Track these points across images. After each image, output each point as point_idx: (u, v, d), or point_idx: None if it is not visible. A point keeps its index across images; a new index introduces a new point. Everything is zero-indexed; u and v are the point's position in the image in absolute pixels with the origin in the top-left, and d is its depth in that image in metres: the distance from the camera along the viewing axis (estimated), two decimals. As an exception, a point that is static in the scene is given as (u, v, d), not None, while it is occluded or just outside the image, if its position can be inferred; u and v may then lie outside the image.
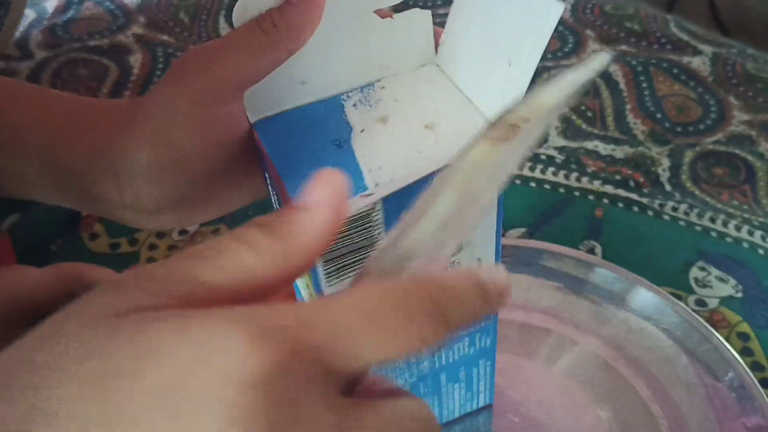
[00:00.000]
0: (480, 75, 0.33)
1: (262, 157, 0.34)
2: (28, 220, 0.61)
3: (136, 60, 0.75)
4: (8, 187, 0.39)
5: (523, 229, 0.59)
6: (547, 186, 0.63)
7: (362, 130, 0.33)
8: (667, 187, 0.62)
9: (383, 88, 0.35)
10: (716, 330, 0.50)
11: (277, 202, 0.36)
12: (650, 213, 0.60)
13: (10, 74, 0.73)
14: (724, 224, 0.59)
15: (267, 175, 0.36)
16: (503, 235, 0.58)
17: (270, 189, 0.37)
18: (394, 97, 0.34)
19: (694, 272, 0.56)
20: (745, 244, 0.58)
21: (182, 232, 0.60)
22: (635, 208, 0.61)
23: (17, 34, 0.77)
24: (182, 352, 0.20)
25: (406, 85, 0.35)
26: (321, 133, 0.33)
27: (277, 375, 0.20)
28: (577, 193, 0.62)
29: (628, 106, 0.70)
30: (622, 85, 0.72)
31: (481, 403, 0.46)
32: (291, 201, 0.30)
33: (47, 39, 0.77)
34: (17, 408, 0.20)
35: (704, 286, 0.55)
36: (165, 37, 0.78)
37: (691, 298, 0.55)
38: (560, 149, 0.66)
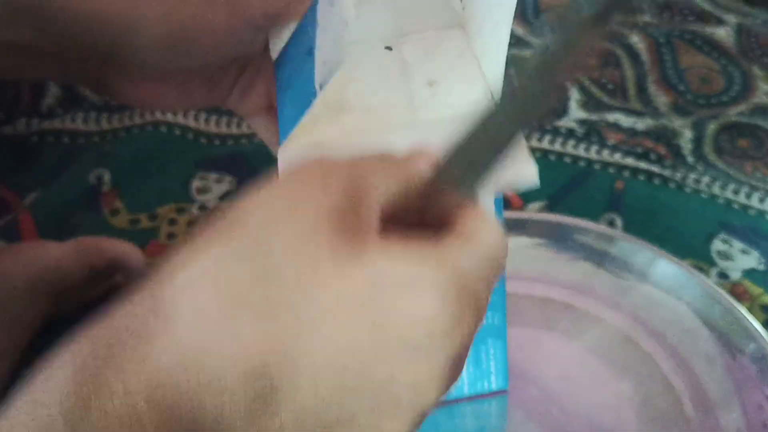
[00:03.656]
0: (484, 40, 0.34)
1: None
2: (50, 196, 0.61)
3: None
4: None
5: (542, 202, 0.59)
6: (567, 159, 0.62)
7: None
8: (690, 160, 0.62)
9: (404, 43, 0.35)
10: (738, 302, 0.50)
11: None
12: (672, 185, 0.60)
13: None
14: (747, 196, 0.59)
15: None
16: (522, 209, 0.58)
17: None
18: (411, 53, 0.35)
19: (717, 244, 0.56)
20: (769, 216, 0.57)
21: (202, 207, 0.60)
22: (656, 181, 0.60)
23: None
24: None
25: (427, 43, 0.35)
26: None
27: None
28: (597, 166, 0.61)
29: (650, 78, 0.69)
30: (644, 57, 0.71)
31: (494, 387, 0.46)
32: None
33: None
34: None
35: (726, 258, 0.55)
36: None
37: (713, 271, 0.54)
38: (581, 122, 0.65)
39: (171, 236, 0.58)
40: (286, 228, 0.23)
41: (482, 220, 0.25)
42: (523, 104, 0.24)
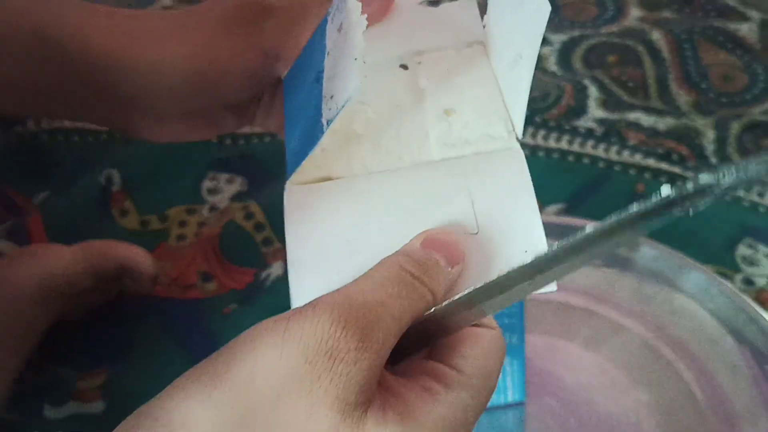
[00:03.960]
0: (504, 63, 0.32)
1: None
2: (59, 197, 0.61)
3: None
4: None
5: (560, 205, 0.57)
6: (586, 160, 0.61)
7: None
8: (713, 160, 0.60)
9: (419, 63, 0.33)
10: (764, 310, 0.48)
11: None
12: (694, 188, 0.58)
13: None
14: (773, 199, 0.57)
15: None
16: (540, 212, 0.56)
17: None
18: (427, 76, 0.33)
19: (741, 249, 0.54)
20: (795, 220, 0.56)
21: (212, 208, 0.59)
22: (679, 183, 0.58)
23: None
24: None
25: (444, 65, 0.33)
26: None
27: None
28: (617, 168, 0.60)
29: (672, 76, 0.67)
30: (665, 54, 0.69)
31: (510, 399, 0.45)
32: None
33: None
34: None
35: (752, 264, 0.53)
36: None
37: (738, 277, 0.53)
38: (600, 121, 0.63)
39: (181, 238, 0.58)
40: (294, 406, 0.24)
41: (483, 350, 0.27)
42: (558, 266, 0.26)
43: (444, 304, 0.27)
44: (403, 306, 0.25)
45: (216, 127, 0.39)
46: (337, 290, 0.26)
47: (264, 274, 0.55)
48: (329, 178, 0.29)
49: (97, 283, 0.51)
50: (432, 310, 0.27)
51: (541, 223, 0.29)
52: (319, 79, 0.29)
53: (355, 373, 0.24)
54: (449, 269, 0.27)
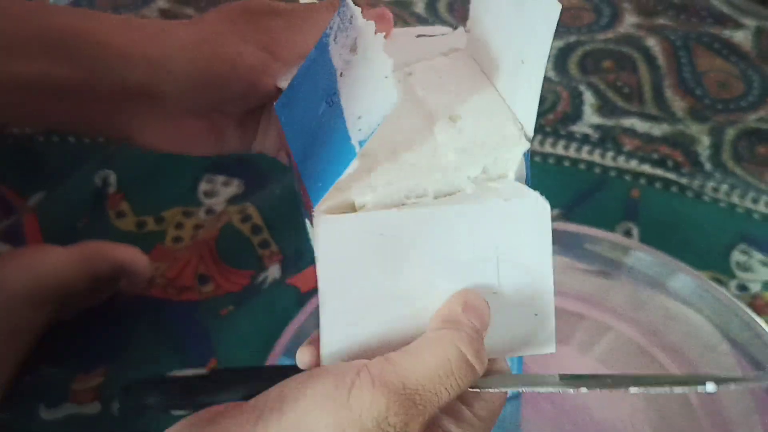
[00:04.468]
0: (502, 68, 0.32)
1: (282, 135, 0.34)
2: (55, 198, 0.60)
3: (162, 34, 0.74)
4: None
5: (556, 211, 0.57)
6: (581, 165, 0.61)
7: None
8: (708, 167, 0.60)
9: (410, 74, 0.33)
10: (759, 316, 0.48)
11: (297, 180, 0.35)
12: (689, 194, 0.58)
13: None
14: (768, 205, 0.57)
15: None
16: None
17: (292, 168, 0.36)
18: (422, 86, 0.33)
19: (736, 255, 0.54)
20: (789, 227, 0.56)
21: (209, 211, 0.59)
22: (674, 189, 0.59)
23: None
24: None
25: (435, 73, 0.33)
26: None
27: None
28: (613, 173, 0.60)
29: (667, 82, 0.68)
30: (661, 60, 0.70)
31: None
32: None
33: (73, 13, 0.77)
34: None
35: (746, 270, 0.53)
36: (190, 12, 0.77)
37: (733, 283, 0.53)
38: (596, 127, 0.64)
39: (177, 240, 0.57)
40: None
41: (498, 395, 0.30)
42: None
43: (479, 390, 0.29)
44: (451, 393, 0.28)
45: (217, 139, 0.39)
46: (395, 366, 0.27)
47: (261, 277, 0.55)
48: (351, 200, 0.29)
49: (93, 284, 0.50)
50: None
51: (552, 288, 0.30)
52: (331, 102, 0.28)
53: None
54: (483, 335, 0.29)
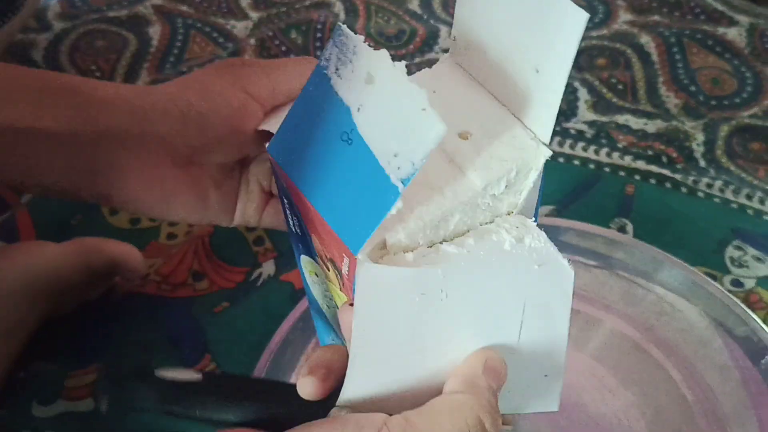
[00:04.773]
0: (504, 77, 0.30)
1: (278, 178, 0.33)
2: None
3: (155, 31, 0.74)
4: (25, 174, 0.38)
5: (551, 207, 0.57)
6: (576, 162, 0.61)
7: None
8: (702, 163, 0.60)
9: None
10: (753, 311, 0.48)
11: (295, 222, 0.35)
12: (684, 190, 0.58)
13: (29, 46, 0.72)
14: (761, 201, 0.57)
15: (283, 197, 0.34)
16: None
17: (286, 210, 0.35)
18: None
19: (730, 251, 0.55)
20: (783, 223, 0.56)
21: (203, 207, 0.59)
22: (668, 185, 0.59)
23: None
24: None
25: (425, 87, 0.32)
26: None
27: None
28: (607, 169, 0.60)
29: (661, 79, 0.68)
30: (655, 57, 0.70)
31: None
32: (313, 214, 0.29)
33: (66, 10, 0.76)
34: None
35: (740, 265, 0.54)
36: (184, 8, 0.77)
37: (727, 278, 0.53)
38: (590, 123, 0.64)
39: (171, 236, 0.57)
40: None
41: None
42: None
43: None
44: None
45: (198, 198, 0.38)
46: (411, 423, 0.27)
47: (255, 274, 0.54)
48: (383, 238, 0.28)
49: (87, 280, 0.50)
50: None
51: (565, 352, 0.30)
52: (350, 140, 0.27)
53: None
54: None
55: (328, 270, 0.33)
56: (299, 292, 0.53)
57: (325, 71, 0.27)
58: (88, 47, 0.72)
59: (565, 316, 0.30)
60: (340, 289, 0.34)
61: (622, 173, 0.60)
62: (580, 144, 0.62)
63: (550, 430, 0.46)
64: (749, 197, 0.58)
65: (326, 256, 0.32)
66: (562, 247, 0.52)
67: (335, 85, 0.27)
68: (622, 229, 0.56)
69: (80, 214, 0.59)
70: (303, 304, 0.50)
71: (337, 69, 0.27)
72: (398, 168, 0.25)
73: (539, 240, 0.29)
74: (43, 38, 0.73)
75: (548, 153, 0.30)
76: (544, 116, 0.29)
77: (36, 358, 0.50)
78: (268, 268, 0.55)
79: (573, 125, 0.63)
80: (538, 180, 0.30)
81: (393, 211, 0.26)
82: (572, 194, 0.58)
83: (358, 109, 0.26)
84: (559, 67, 0.27)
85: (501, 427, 0.29)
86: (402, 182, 0.25)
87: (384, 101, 0.26)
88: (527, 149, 0.29)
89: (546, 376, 0.31)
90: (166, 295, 0.53)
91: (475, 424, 0.28)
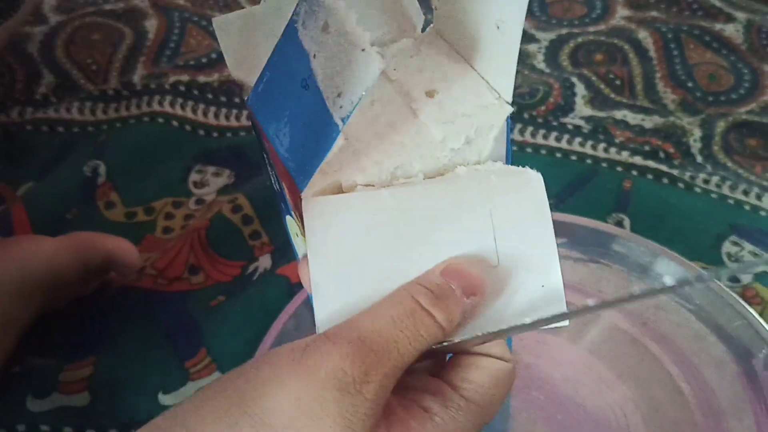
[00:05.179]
0: (471, 38, 0.32)
1: (259, 134, 0.33)
2: (44, 188, 0.60)
3: (151, 25, 0.74)
4: None
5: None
6: (573, 157, 0.61)
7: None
8: (699, 159, 0.60)
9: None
10: (750, 306, 0.48)
11: (275, 178, 0.35)
12: (681, 185, 0.58)
13: (24, 39, 0.72)
14: (758, 197, 0.57)
15: (265, 155, 0.35)
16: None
17: (268, 168, 0.35)
18: (394, 65, 0.33)
19: (727, 247, 0.55)
20: (780, 218, 0.56)
21: (199, 201, 0.59)
22: (665, 180, 0.59)
23: None
24: None
25: (405, 55, 0.33)
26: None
27: None
28: (604, 164, 0.60)
29: (658, 75, 0.68)
30: (652, 53, 0.70)
31: None
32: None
33: (62, 2, 0.76)
34: None
35: (737, 261, 0.54)
36: (181, 2, 0.76)
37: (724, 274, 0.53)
38: (587, 118, 0.64)
39: (167, 230, 0.57)
40: None
41: (490, 379, 0.29)
42: None
43: (453, 342, 0.28)
44: (412, 343, 0.27)
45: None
46: (351, 322, 0.27)
47: (251, 267, 0.54)
48: (339, 183, 0.29)
49: (82, 274, 0.50)
50: (442, 344, 0.28)
51: (557, 258, 0.30)
52: (307, 85, 0.28)
53: (361, 404, 0.25)
54: (465, 300, 0.28)
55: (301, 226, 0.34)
56: (295, 286, 0.52)
57: (295, 24, 0.29)
58: (84, 40, 0.72)
59: (546, 222, 0.30)
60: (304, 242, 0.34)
61: (619, 168, 0.60)
62: (578, 139, 0.62)
63: (546, 424, 0.46)
64: (746, 193, 0.58)
65: (296, 210, 0.32)
66: (559, 242, 0.52)
67: (300, 35, 0.29)
68: (619, 224, 0.56)
69: (75, 208, 0.59)
70: (299, 298, 0.49)
71: (304, 21, 0.28)
72: (341, 107, 0.27)
73: (497, 165, 0.31)
74: (38, 31, 0.73)
75: (509, 110, 0.31)
76: (505, 73, 0.30)
77: (31, 353, 0.50)
78: (264, 261, 0.54)
79: (570, 120, 0.63)
80: (502, 136, 0.31)
81: (335, 149, 0.27)
82: (569, 189, 0.58)
83: (314, 55, 0.28)
84: (514, 21, 0.28)
85: (453, 318, 0.28)
86: (342, 120, 0.27)
87: (332, 46, 0.27)
88: (489, 107, 0.31)
89: (543, 286, 0.30)
90: (162, 289, 0.53)
91: (412, 303, 0.27)
